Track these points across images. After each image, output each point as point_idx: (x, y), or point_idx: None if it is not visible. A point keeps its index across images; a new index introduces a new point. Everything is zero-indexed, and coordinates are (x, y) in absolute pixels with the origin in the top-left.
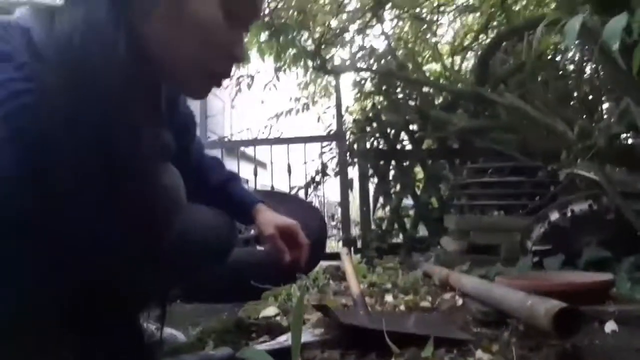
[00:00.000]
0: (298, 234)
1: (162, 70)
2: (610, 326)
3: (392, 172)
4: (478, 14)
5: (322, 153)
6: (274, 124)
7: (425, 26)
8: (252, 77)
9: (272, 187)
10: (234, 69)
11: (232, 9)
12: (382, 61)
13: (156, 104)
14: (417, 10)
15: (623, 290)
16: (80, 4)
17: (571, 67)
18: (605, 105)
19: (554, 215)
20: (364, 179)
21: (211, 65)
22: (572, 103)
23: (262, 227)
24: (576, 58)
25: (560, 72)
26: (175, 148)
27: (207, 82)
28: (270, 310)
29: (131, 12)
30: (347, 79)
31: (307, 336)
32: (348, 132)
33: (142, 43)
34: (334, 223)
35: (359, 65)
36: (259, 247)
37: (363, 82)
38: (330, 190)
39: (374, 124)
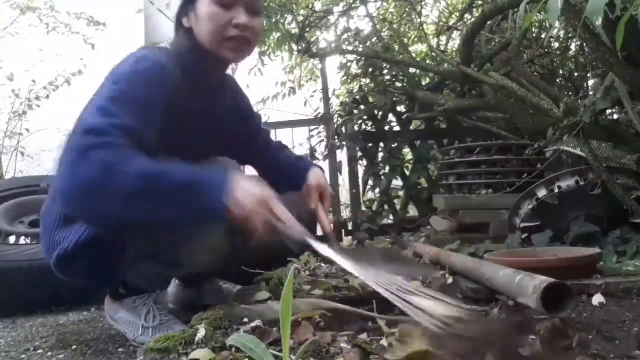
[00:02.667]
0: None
1: (204, 46)
2: (597, 299)
3: (380, 154)
4: None
5: (310, 137)
6: (261, 109)
7: (409, 6)
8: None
9: None
10: (244, 32)
11: (217, 2)
12: (368, 43)
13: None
14: None
15: (610, 263)
16: (178, 35)
17: (556, 44)
18: (590, 82)
19: (541, 192)
20: (352, 162)
21: (223, 32)
22: (557, 80)
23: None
24: (561, 35)
25: (545, 50)
26: (244, 132)
27: (228, 44)
28: (261, 295)
29: (188, 21)
30: (333, 62)
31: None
32: (335, 115)
33: (195, 36)
34: None
35: (344, 47)
36: None
37: (349, 64)
38: None
39: (361, 106)
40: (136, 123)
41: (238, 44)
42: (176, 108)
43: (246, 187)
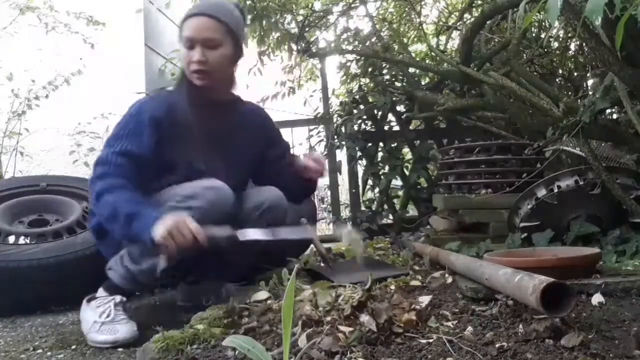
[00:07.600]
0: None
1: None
2: (597, 298)
3: (380, 154)
4: None
5: (309, 136)
6: None
7: (409, 6)
8: None
9: None
10: (201, 66)
11: (185, 44)
12: (367, 43)
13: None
14: None
15: (609, 262)
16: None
17: (555, 44)
18: (589, 82)
19: (541, 192)
20: (352, 161)
21: (189, 67)
22: (557, 80)
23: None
24: (561, 35)
25: (545, 50)
26: (270, 155)
27: (194, 75)
28: (261, 295)
29: None
30: (333, 62)
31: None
32: (335, 115)
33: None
34: (324, 206)
35: (344, 47)
36: None
37: (349, 64)
38: None
39: (361, 106)
40: (134, 148)
41: (199, 75)
42: (183, 130)
43: (166, 218)
